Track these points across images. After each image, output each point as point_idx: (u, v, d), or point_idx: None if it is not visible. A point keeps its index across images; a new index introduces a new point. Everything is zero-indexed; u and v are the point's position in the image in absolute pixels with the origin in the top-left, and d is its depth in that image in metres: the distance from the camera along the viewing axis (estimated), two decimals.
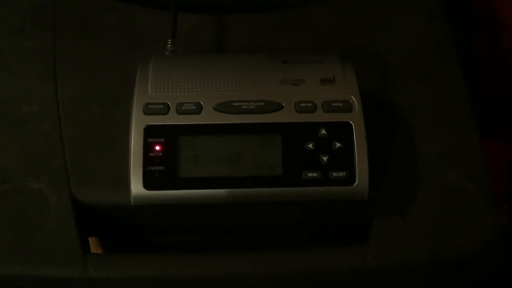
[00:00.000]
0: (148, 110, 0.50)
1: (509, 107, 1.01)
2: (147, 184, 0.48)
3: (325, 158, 0.49)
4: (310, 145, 0.50)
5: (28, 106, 0.56)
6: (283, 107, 0.50)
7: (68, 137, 0.54)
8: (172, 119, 0.49)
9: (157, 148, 0.49)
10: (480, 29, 0.96)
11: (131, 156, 0.48)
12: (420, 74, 0.60)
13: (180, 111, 0.50)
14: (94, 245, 0.56)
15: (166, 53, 0.57)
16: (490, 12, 0.94)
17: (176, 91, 0.51)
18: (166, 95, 0.50)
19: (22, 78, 0.58)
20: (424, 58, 0.61)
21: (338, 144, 0.50)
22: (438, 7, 0.65)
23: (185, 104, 0.50)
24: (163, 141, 0.49)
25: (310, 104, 0.50)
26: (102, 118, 0.56)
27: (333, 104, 0.51)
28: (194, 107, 0.50)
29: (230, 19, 0.63)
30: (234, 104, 0.50)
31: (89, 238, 0.55)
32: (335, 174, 0.49)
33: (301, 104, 0.50)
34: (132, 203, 0.49)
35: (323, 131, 0.50)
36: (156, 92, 0.50)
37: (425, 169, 0.54)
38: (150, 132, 0.49)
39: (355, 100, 0.51)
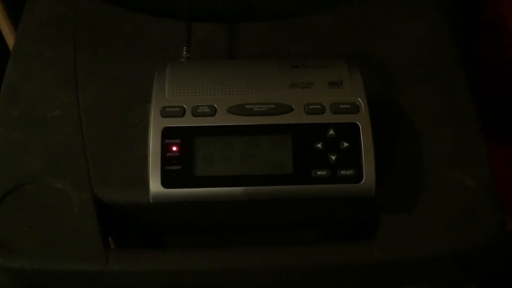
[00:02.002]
0: (165, 113, 0.52)
1: None
2: (165, 183, 0.51)
3: (333, 157, 0.52)
4: (319, 145, 0.52)
5: (51, 111, 0.59)
6: (293, 109, 0.53)
7: (89, 140, 0.57)
8: (188, 121, 0.52)
9: (174, 148, 0.51)
10: (486, 36, 0.98)
11: (150, 156, 0.51)
12: (425, 77, 0.62)
13: (196, 114, 0.52)
14: None
15: (182, 60, 0.60)
16: (496, 19, 0.96)
17: (191, 95, 0.53)
18: (182, 99, 0.53)
19: (45, 85, 0.61)
20: (428, 62, 0.64)
21: (345, 144, 0.52)
22: (441, 14, 0.68)
23: (200, 107, 0.52)
24: (179, 142, 0.51)
25: (319, 106, 0.53)
26: (121, 122, 0.58)
27: (340, 106, 0.53)
28: (209, 109, 0.52)
29: (241, 27, 0.66)
30: (246, 106, 0.53)
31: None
32: (343, 172, 0.51)
33: (310, 106, 0.53)
34: (151, 200, 0.51)
35: (331, 132, 0.52)
36: (172, 96, 0.53)
37: (430, 168, 0.56)
38: (168, 134, 0.51)
39: (361, 102, 0.53)
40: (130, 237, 0.73)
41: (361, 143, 0.52)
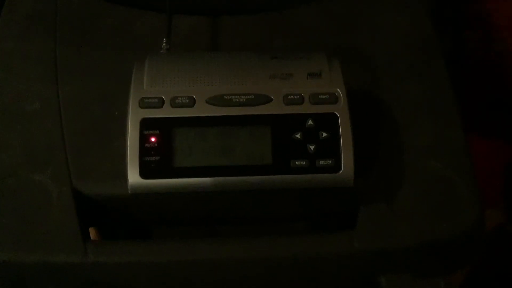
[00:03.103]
0: (143, 104, 0.52)
1: (503, 107, 1.03)
2: (143, 174, 0.51)
3: (312, 147, 0.52)
4: (298, 135, 0.52)
5: (30, 105, 0.59)
6: (272, 99, 0.53)
7: (69, 134, 0.57)
8: (166, 112, 0.52)
9: (153, 139, 0.51)
10: (473, 30, 0.98)
11: (128, 147, 0.51)
12: (406, 70, 0.62)
13: (174, 105, 0.52)
14: (92, 235, 0.59)
15: (161, 51, 0.60)
16: (483, 13, 0.96)
17: (170, 86, 0.53)
18: (161, 90, 0.53)
19: (24, 80, 0.60)
20: (409, 55, 0.64)
21: (324, 134, 0.52)
22: (423, 7, 0.68)
23: (178, 98, 0.52)
24: (158, 133, 0.51)
25: (298, 97, 0.53)
26: (101, 116, 0.58)
27: (319, 96, 0.53)
28: (188, 100, 0.52)
29: (223, 20, 0.66)
30: (225, 97, 0.53)
31: (89, 228, 0.57)
32: (322, 162, 0.51)
33: (289, 97, 0.53)
34: (129, 191, 0.51)
35: (310, 122, 0.52)
36: (151, 87, 0.53)
37: (410, 159, 0.56)
38: (146, 125, 0.51)
39: (340, 93, 0.53)
40: (118, 230, 0.73)
41: (339, 133, 0.52)
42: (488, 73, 1.01)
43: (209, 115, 0.52)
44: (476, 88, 0.98)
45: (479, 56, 1.00)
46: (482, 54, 1.00)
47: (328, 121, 0.52)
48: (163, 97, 0.52)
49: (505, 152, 1.08)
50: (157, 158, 0.51)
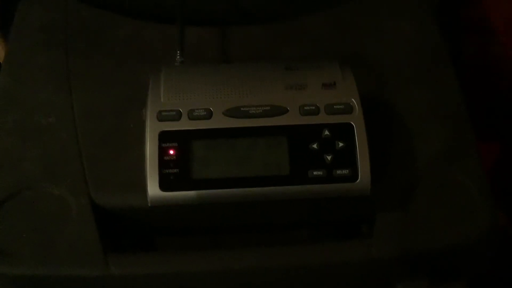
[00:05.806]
0: (161, 116, 0.53)
1: (499, 111, 1.04)
2: (163, 186, 0.51)
3: (329, 157, 0.52)
4: (315, 146, 0.53)
5: (45, 117, 0.59)
6: (288, 110, 0.53)
7: (85, 145, 0.57)
8: (184, 124, 0.52)
9: (171, 152, 0.52)
10: (471, 34, 0.99)
11: (147, 160, 0.51)
12: (416, 76, 0.63)
13: (192, 117, 0.53)
14: None
15: (176, 64, 0.60)
16: (480, 18, 0.97)
17: (187, 99, 0.53)
18: (178, 103, 0.53)
19: (38, 92, 0.61)
20: (418, 61, 0.65)
21: (340, 144, 0.53)
22: (430, 13, 0.69)
23: (196, 110, 0.53)
24: (176, 145, 0.52)
25: (313, 107, 0.54)
26: (116, 127, 0.58)
27: (335, 106, 0.54)
28: (205, 113, 0.53)
29: (234, 30, 0.67)
30: (242, 109, 0.53)
31: None
32: (338, 172, 0.52)
33: (305, 108, 0.53)
34: (149, 204, 0.51)
35: (327, 132, 0.53)
36: (168, 100, 0.53)
37: (423, 165, 0.57)
38: (164, 137, 0.52)
39: (355, 103, 0.54)
40: (122, 240, 0.73)
41: (355, 143, 0.52)
42: (485, 77, 1.02)
43: (226, 126, 0.52)
44: (473, 93, 0.99)
45: (477, 61, 1.01)
46: (479, 59, 1.01)
47: (344, 131, 0.53)
48: (181, 110, 0.53)
49: (501, 155, 1.09)
50: (176, 170, 0.51)
